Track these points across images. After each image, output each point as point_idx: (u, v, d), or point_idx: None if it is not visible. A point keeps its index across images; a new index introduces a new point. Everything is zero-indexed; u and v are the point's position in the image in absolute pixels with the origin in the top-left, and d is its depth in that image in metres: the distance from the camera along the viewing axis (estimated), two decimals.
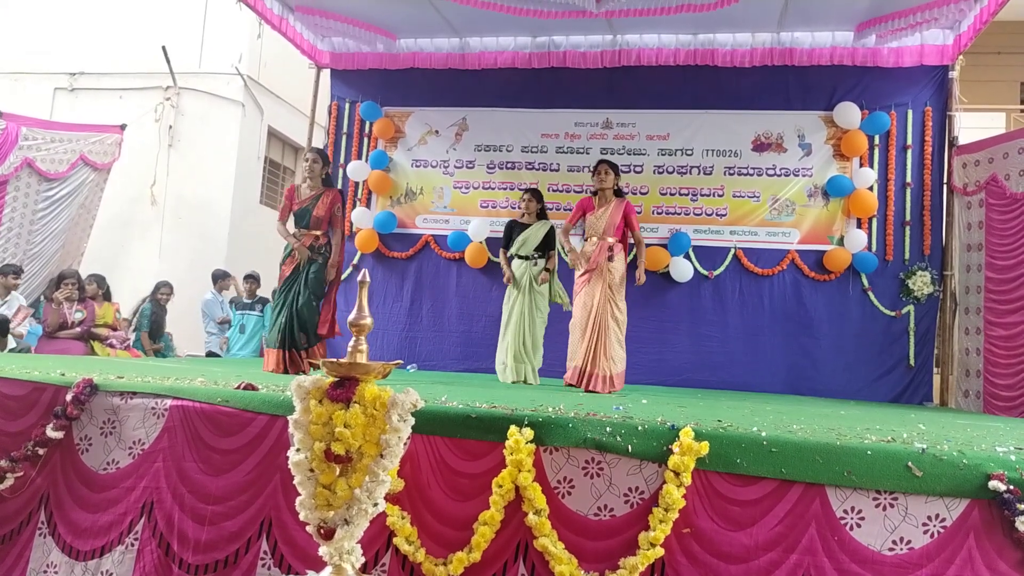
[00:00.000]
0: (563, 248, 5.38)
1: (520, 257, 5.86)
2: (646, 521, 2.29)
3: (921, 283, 6.65)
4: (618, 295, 5.05)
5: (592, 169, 5.42)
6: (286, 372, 4.69)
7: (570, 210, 5.76)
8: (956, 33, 6.71)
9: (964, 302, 6.57)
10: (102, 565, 2.70)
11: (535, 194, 6.07)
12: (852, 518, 2.18)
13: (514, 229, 5.96)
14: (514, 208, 7.20)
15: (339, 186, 6.73)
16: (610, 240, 5.08)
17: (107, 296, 7.24)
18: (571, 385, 4.98)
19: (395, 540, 2.44)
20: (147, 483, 2.73)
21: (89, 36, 10.25)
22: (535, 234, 5.85)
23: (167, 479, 2.70)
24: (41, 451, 2.84)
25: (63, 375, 3.03)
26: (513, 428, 2.42)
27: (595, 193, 5.30)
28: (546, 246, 5.85)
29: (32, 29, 10.45)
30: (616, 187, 5.26)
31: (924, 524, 2.14)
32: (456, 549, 2.40)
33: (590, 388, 4.84)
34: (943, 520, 2.14)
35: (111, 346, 6.81)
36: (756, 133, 7.20)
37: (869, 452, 2.19)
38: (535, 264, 5.82)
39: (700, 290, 7.10)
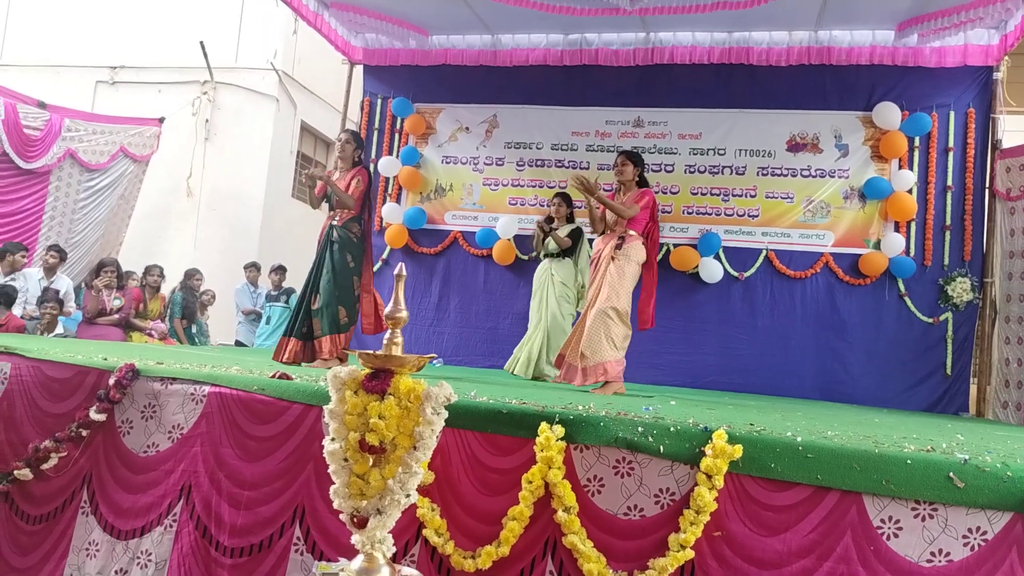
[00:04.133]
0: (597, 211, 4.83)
1: (546, 255, 5.92)
2: (676, 523, 2.28)
3: (960, 290, 6.52)
4: (616, 287, 4.56)
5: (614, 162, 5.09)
6: (295, 362, 4.44)
7: None
8: (1002, 33, 6.54)
9: (1005, 310, 6.42)
10: (142, 545, 2.76)
11: (565, 198, 6.05)
12: (889, 528, 2.14)
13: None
14: (543, 206, 7.20)
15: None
16: (620, 231, 4.70)
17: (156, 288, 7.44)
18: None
19: (424, 531, 2.46)
20: (185, 467, 2.79)
21: (130, 31, 10.46)
22: (560, 236, 5.86)
23: (204, 463, 2.76)
24: (84, 432, 2.92)
25: (106, 360, 3.10)
26: (544, 425, 2.42)
27: (619, 188, 4.92)
28: (573, 249, 5.88)
29: (75, 23, 10.67)
30: (638, 177, 4.84)
31: (964, 536, 2.09)
32: (485, 543, 2.41)
33: (566, 378, 4.56)
34: (984, 533, 2.09)
35: (149, 335, 6.95)
36: (791, 133, 7.11)
37: (909, 461, 2.15)
38: (562, 262, 5.85)
39: (730, 292, 7.03)
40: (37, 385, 3.12)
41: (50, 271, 6.84)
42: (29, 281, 6.63)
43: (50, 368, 3.13)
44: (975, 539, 2.09)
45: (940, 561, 2.10)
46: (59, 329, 6.53)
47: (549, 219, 6.03)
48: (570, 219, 6.02)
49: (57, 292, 6.58)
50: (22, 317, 6.31)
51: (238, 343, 8.25)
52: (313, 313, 4.49)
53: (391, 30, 7.43)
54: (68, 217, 8.00)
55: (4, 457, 3.02)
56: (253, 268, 8.49)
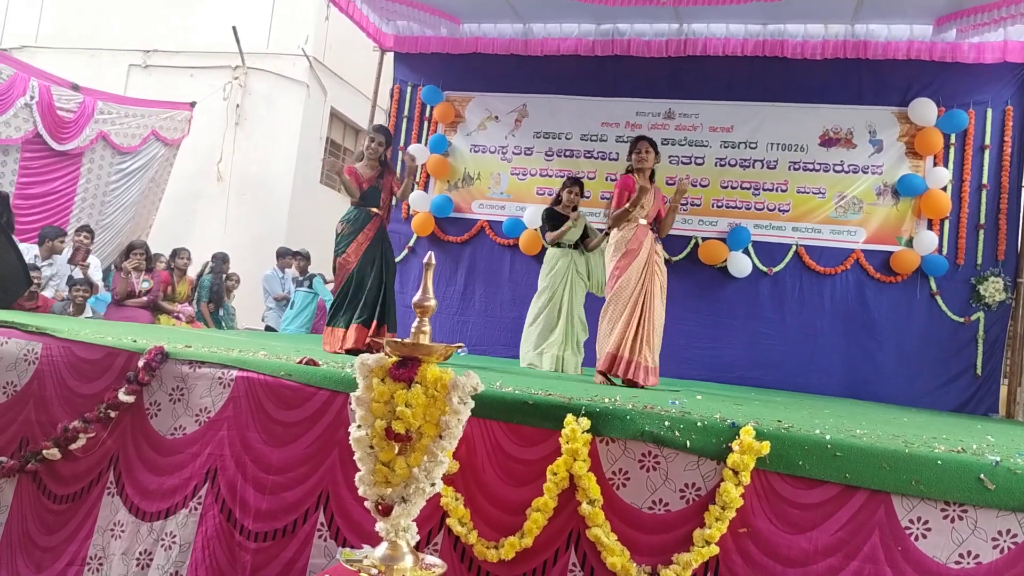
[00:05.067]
0: (624, 213, 4.63)
1: (561, 246, 5.80)
2: (701, 518, 2.26)
3: (993, 289, 6.40)
4: (664, 287, 4.64)
5: (631, 145, 4.80)
6: (368, 349, 4.41)
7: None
8: None
9: None
10: (167, 527, 2.79)
11: (581, 185, 5.98)
12: (918, 528, 2.12)
13: (559, 219, 5.87)
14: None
15: (395, 168, 6.70)
16: (647, 225, 4.65)
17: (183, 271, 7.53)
18: (602, 373, 4.52)
19: (448, 521, 2.47)
20: (212, 450, 2.81)
21: (163, 15, 10.55)
22: (578, 227, 5.79)
23: (231, 447, 2.78)
24: (112, 414, 2.95)
25: (135, 342, 3.13)
26: (570, 417, 2.41)
27: (630, 171, 4.75)
28: (584, 239, 5.83)
29: (109, 7, 10.79)
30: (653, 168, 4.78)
31: (994, 539, 2.06)
32: (508, 533, 2.41)
33: (629, 378, 4.41)
34: (1015, 536, 2.06)
35: (177, 318, 7.04)
36: (824, 128, 7.00)
37: (939, 462, 2.12)
38: (582, 253, 5.80)
39: (758, 287, 6.95)
40: (67, 366, 3.15)
41: (82, 253, 6.91)
42: (60, 266, 6.73)
43: (80, 349, 3.16)
44: (1005, 542, 2.06)
45: (969, 563, 2.07)
46: (87, 312, 6.63)
47: (557, 202, 5.92)
48: (576, 207, 5.91)
49: (86, 275, 6.67)
50: (55, 299, 6.42)
51: (268, 328, 8.34)
52: (386, 305, 4.65)
53: (422, 18, 7.42)
54: (99, 199, 8.12)
55: (34, 436, 3.06)
56: (290, 256, 8.56)
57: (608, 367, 4.46)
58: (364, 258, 4.66)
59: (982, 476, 2.08)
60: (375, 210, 4.77)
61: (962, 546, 2.08)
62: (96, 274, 6.97)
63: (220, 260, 8.12)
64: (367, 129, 4.96)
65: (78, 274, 6.75)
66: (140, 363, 2.95)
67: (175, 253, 7.62)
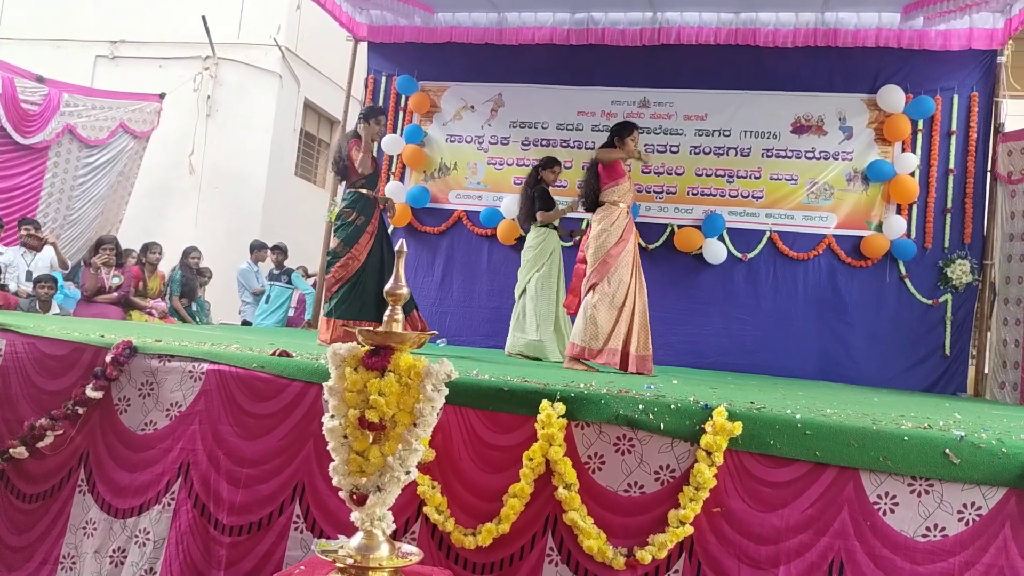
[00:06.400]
0: (631, 153, 4.73)
1: (545, 227, 5.83)
2: (676, 499, 2.29)
3: (960, 272, 6.52)
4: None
5: (624, 127, 4.75)
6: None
7: None
8: (1007, 17, 6.51)
9: (1004, 292, 6.42)
10: (140, 523, 2.76)
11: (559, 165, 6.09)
12: (886, 503, 2.16)
13: (551, 199, 5.89)
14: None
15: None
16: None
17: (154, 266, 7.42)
18: (608, 365, 4.49)
19: (425, 509, 2.47)
20: (184, 445, 2.78)
21: (131, 5, 10.35)
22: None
23: (203, 441, 2.75)
24: (80, 410, 2.90)
25: (102, 336, 3.09)
26: (545, 402, 2.42)
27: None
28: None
29: None
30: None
31: (959, 512, 2.11)
32: (485, 520, 2.42)
33: (637, 371, 4.40)
34: (979, 508, 2.11)
35: (150, 314, 6.94)
36: (796, 115, 7.07)
37: (906, 438, 2.16)
38: (560, 235, 5.96)
39: (733, 273, 7.03)
40: (32, 362, 3.09)
41: (31, 248, 6.75)
42: (14, 257, 6.58)
43: (46, 345, 3.10)
44: (970, 514, 2.11)
45: (935, 536, 2.12)
46: (55, 309, 6.51)
47: (538, 179, 5.94)
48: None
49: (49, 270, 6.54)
50: (16, 295, 6.30)
51: (244, 323, 8.25)
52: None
53: (396, 7, 7.36)
54: (67, 194, 7.96)
55: (0, 435, 3.02)
56: (265, 249, 8.46)
57: (620, 365, 4.43)
58: (373, 250, 4.57)
59: (947, 451, 2.13)
60: (378, 196, 4.70)
61: (929, 519, 2.13)
62: (52, 261, 6.80)
63: (189, 254, 7.99)
64: (365, 110, 4.69)
65: (37, 268, 6.61)
66: (108, 358, 2.91)
67: (146, 248, 7.51)
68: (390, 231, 7.63)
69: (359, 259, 4.54)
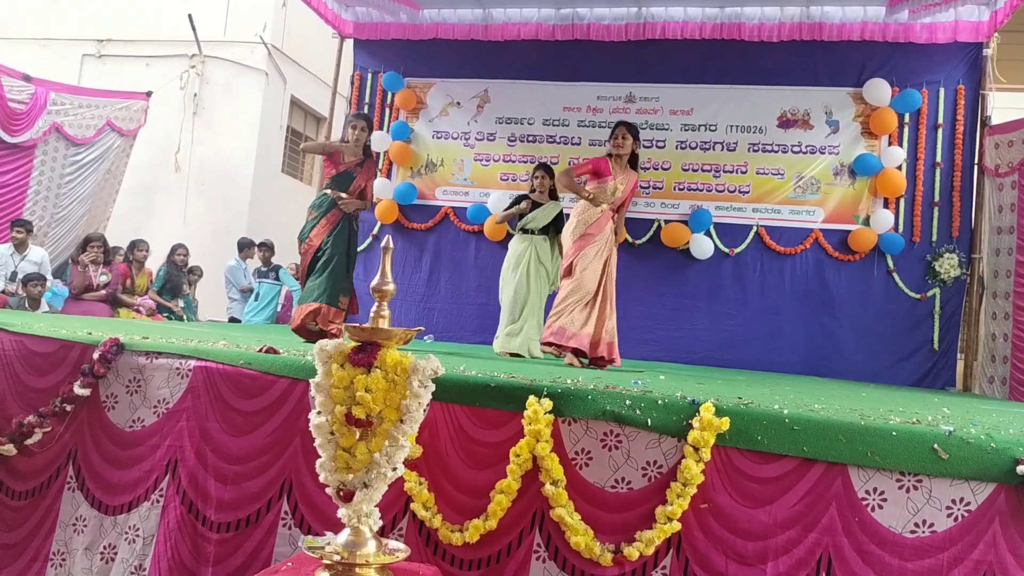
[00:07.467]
0: (576, 189, 4.72)
1: (525, 231, 5.59)
2: (664, 495, 2.28)
3: (948, 266, 6.55)
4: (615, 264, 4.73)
5: (611, 131, 4.75)
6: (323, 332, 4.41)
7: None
8: (992, 9, 6.53)
9: (992, 286, 6.46)
10: (130, 520, 2.75)
11: (548, 170, 5.74)
12: (874, 499, 2.16)
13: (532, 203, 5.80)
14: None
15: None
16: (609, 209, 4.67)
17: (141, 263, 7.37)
18: (576, 351, 4.50)
19: (412, 505, 2.46)
20: (171, 442, 2.77)
21: (117, 4, 10.27)
22: (546, 213, 5.58)
23: (191, 438, 2.74)
24: (68, 407, 2.88)
25: (90, 334, 3.07)
26: (532, 398, 2.42)
27: (609, 156, 4.68)
28: (554, 227, 5.57)
29: None
30: (633, 154, 4.72)
31: (948, 507, 2.11)
32: (472, 516, 2.41)
33: (598, 355, 4.48)
34: (968, 504, 2.11)
35: (137, 311, 6.90)
36: (782, 109, 7.09)
37: (894, 433, 2.16)
38: (545, 240, 5.58)
39: (720, 268, 7.04)
40: (19, 359, 3.06)
41: (20, 246, 6.71)
42: (3, 257, 6.53)
43: (33, 342, 3.08)
44: (958, 510, 2.11)
45: (924, 532, 2.12)
46: (43, 308, 6.47)
47: (531, 191, 5.74)
48: (552, 193, 5.70)
49: (38, 268, 6.49)
50: (3, 292, 6.25)
51: (232, 320, 8.21)
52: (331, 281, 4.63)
53: (382, 3, 7.35)
54: (54, 192, 7.91)
55: None
56: (252, 247, 8.42)
57: (589, 350, 4.50)
58: (325, 240, 4.64)
59: (936, 446, 2.12)
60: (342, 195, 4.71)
61: (917, 515, 2.13)
62: (44, 263, 6.76)
63: (175, 251, 7.92)
64: (348, 116, 4.85)
65: (25, 268, 6.56)
66: (95, 355, 2.89)
67: (133, 245, 7.46)
68: (376, 228, 7.65)
69: (310, 252, 4.66)
